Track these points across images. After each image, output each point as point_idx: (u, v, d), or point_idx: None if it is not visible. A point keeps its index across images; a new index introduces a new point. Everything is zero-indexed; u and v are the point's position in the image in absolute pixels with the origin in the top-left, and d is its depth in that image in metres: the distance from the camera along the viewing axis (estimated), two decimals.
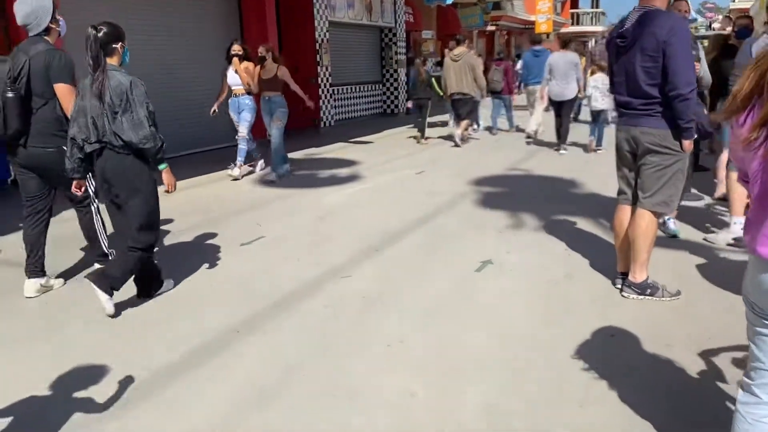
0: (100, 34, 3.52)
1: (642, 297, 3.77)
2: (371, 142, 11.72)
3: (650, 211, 3.73)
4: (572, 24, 39.63)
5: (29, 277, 4.05)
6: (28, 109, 3.86)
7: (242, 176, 8.17)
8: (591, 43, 43.08)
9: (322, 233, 5.45)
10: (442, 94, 10.88)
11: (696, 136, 3.78)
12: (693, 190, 6.03)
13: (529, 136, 11.06)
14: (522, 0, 30.26)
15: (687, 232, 5.10)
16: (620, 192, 4.00)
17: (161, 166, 3.69)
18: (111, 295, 3.62)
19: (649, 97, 3.57)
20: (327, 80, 14.02)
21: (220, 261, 4.74)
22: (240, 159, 8.14)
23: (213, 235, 5.41)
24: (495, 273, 4.35)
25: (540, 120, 10.85)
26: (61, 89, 3.85)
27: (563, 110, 9.66)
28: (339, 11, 14.52)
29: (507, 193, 6.97)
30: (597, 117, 9.52)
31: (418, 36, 20.18)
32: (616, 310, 3.64)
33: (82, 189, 3.82)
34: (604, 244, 4.90)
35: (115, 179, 3.63)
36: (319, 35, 13.60)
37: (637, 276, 3.79)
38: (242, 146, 8.12)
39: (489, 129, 12.56)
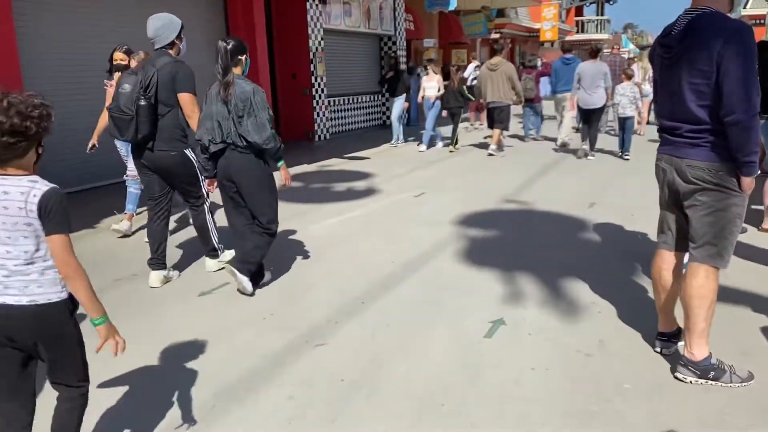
0: (230, 47, 3.94)
1: (703, 381, 2.89)
2: (368, 158, 10.85)
3: (706, 266, 2.88)
4: (577, 32, 38.86)
5: (153, 269, 4.44)
6: (156, 116, 4.20)
7: (132, 232, 5.83)
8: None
9: (299, 280, 4.57)
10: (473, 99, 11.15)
11: (759, 172, 2.94)
12: None
13: (562, 145, 11.18)
14: (526, 7, 29.53)
15: (738, 277, 4.21)
16: (660, 233, 3.17)
17: (279, 163, 4.11)
18: (249, 277, 4.09)
19: (699, 123, 2.79)
20: (322, 91, 13.18)
21: (169, 313, 3.89)
22: (131, 207, 5.80)
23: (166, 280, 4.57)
24: (510, 338, 3.47)
25: (569, 130, 11.29)
26: (184, 98, 4.23)
27: (592, 118, 9.83)
28: (335, 18, 13.70)
29: (519, 224, 6.10)
30: (623, 124, 9.79)
31: (419, 44, 19.39)
32: (671, 402, 2.77)
33: (214, 186, 4.25)
34: (640, 294, 4.02)
35: (241, 176, 4.02)
36: (314, 44, 12.78)
37: (696, 353, 2.92)
38: (132, 190, 5.78)
39: (522, 137, 12.70)
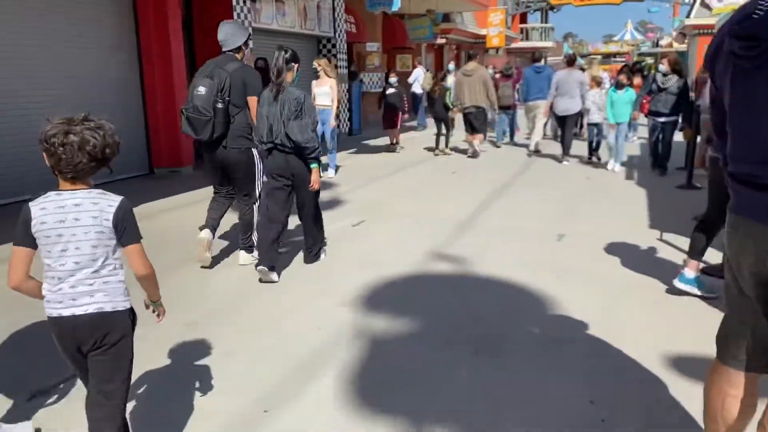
0: (287, 55, 4.48)
1: None
2: None
3: None
4: (521, 39, 38.52)
5: (243, 250, 4.92)
6: (229, 117, 4.58)
7: None
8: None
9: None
10: (452, 107, 11.23)
11: None
12: None
13: (532, 152, 11.30)
14: (472, 13, 28.79)
15: None
16: (726, 342, 2.01)
17: (312, 165, 4.52)
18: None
19: None
20: None
21: None
22: None
23: None
24: None
25: (540, 136, 11.45)
26: (253, 101, 4.61)
27: (567, 124, 10.19)
28: (266, 18, 12.32)
29: (480, 261, 4.92)
30: (593, 131, 10.24)
31: (362, 48, 18.20)
32: None
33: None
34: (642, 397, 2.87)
35: (301, 171, 4.52)
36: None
37: None
38: None
39: (494, 143, 12.74)
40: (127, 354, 2.12)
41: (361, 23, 17.34)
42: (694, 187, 7.74)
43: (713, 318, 3.16)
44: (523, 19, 41.83)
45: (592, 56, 66.64)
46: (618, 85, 9.31)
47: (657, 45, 46.74)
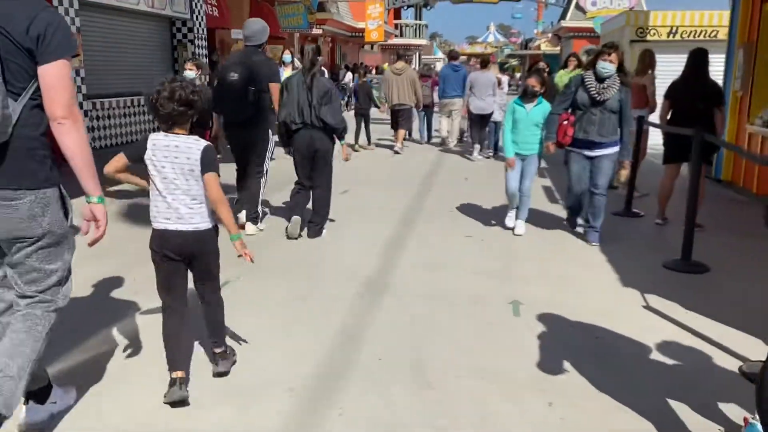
0: (314, 49, 5.38)
1: None
2: (141, 194, 7.12)
3: None
4: (395, 36, 37.44)
5: (247, 221, 5.50)
6: (256, 101, 5.25)
7: None
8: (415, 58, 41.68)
9: None
10: (379, 105, 12.18)
11: None
12: None
13: (443, 142, 12.09)
14: (348, 4, 27.02)
15: None
16: None
17: (341, 142, 5.37)
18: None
19: None
20: (77, 90, 9.07)
21: None
22: None
23: None
24: None
25: (458, 130, 12.07)
26: (274, 87, 5.31)
27: (482, 122, 10.68)
28: None
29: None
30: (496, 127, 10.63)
31: (225, 35, 15.77)
32: None
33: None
34: None
35: (320, 148, 5.23)
36: None
37: None
38: None
39: (419, 141, 12.93)
40: (215, 258, 2.88)
41: (224, 6, 14.92)
42: (634, 214, 6.43)
43: None
44: (397, 15, 40.85)
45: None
46: (526, 94, 5.57)
47: (526, 47, 47.57)
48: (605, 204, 5.38)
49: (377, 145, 12.20)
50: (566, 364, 3.19)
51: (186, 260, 2.75)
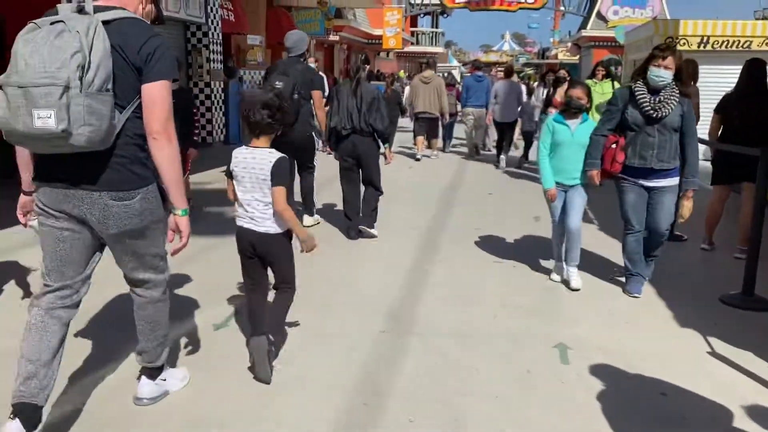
0: (363, 58, 6.11)
1: None
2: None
3: None
4: (412, 43, 37.04)
5: (307, 215, 6.11)
6: (300, 106, 5.48)
7: None
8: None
9: None
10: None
11: None
12: None
13: (473, 151, 12.10)
14: (365, 12, 26.67)
15: None
16: None
17: (385, 145, 5.82)
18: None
19: None
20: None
21: None
22: None
23: None
24: None
25: (485, 138, 12.48)
26: (317, 94, 5.79)
27: (506, 130, 10.87)
28: None
29: None
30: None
31: (242, 41, 15.43)
32: None
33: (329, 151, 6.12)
34: None
35: (364, 153, 5.60)
36: None
37: None
38: None
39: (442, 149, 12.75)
40: (287, 259, 3.14)
41: (240, 12, 14.59)
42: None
43: None
44: (414, 22, 40.47)
45: (470, 63, 67.29)
46: (569, 108, 4.52)
47: (543, 56, 46.98)
48: (662, 249, 4.49)
49: (398, 153, 11.84)
50: (628, 427, 2.70)
51: (260, 258, 3.07)
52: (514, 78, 11.87)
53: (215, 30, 12.72)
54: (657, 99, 4.12)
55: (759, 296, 4.28)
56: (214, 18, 12.66)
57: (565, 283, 4.57)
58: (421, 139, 11.52)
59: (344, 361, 3.29)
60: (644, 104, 4.13)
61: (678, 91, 4.15)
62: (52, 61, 2.11)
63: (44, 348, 2.39)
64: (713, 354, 3.51)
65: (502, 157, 10.79)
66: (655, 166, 4.17)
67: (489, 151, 12.35)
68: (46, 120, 2.11)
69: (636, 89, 4.21)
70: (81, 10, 2.24)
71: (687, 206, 4.30)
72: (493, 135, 12.16)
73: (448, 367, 3.25)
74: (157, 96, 2.37)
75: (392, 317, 3.91)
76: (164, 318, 2.74)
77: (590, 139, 4.36)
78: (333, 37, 20.32)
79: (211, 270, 4.70)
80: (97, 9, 2.30)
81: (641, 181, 4.27)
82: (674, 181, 4.29)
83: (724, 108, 5.47)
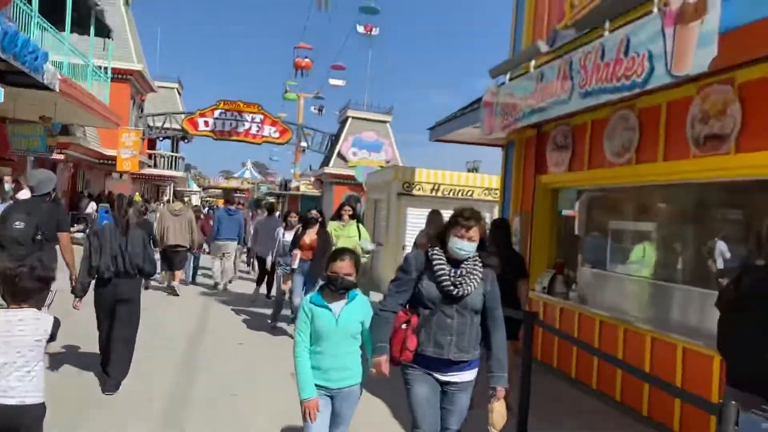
0: (128, 198, 6.75)
1: None
2: None
3: None
4: (150, 166, 35.27)
5: None
6: (42, 247, 5.30)
7: None
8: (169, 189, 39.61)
9: None
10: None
11: None
12: None
13: (222, 288, 12.07)
14: (96, 130, 24.69)
15: None
16: None
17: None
18: None
19: None
20: None
21: None
22: None
23: None
24: None
25: (232, 274, 12.56)
26: (65, 237, 5.55)
27: (266, 265, 10.82)
28: None
29: None
30: None
31: None
32: None
33: None
34: None
35: (130, 297, 5.36)
36: None
37: None
38: None
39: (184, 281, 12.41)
40: None
41: None
42: None
43: None
44: (152, 144, 38.85)
45: (211, 188, 66.68)
46: (332, 285, 3.38)
47: (286, 187, 48.39)
48: None
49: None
50: None
51: None
52: (276, 214, 12.62)
53: None
54: (459, 272, 3.36)
55: None
56: None
57: None
58: (179, 272, 11.45)
59: None
60: (442, 278, 3.34)
61: (482, 264, 3.44)
62: None
63: None
64: None
65: (268, 293, 11.07)
66: (453, 357, 3.34)
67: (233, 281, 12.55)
68: None
69: (434, 257, 3.43)
70: None
71: (499, 411, 3.39)
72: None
73: None
74: None
75: None
76: None
77: (373, 318, 3.42)
78: (58, 156, 18.13)
79: None
80: None
81: (435, 374, 3.40)
82: (473, 374, 3.49)
83: None
